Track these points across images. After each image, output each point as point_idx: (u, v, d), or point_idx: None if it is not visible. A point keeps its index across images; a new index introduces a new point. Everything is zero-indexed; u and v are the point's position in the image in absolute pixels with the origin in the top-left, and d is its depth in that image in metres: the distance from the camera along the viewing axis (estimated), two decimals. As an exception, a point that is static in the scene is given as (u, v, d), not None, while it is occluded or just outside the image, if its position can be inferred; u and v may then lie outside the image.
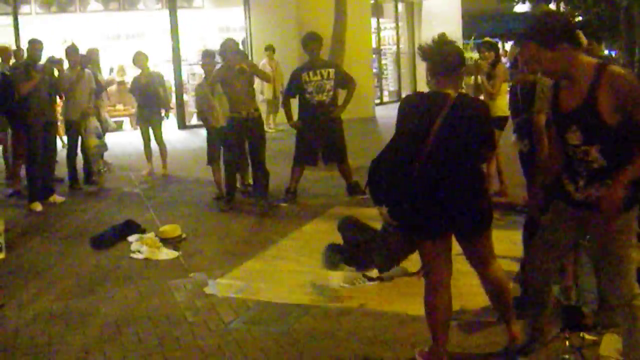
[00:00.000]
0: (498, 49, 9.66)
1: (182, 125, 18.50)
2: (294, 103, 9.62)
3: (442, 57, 4.24)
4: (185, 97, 18.80)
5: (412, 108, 4.29)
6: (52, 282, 6.72)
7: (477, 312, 5.39)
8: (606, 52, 34.67)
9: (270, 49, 16.95)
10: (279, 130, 16.36)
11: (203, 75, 10.30)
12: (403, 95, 24.54)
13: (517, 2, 28.74)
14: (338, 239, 7.62)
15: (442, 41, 4.29)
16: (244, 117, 8.94)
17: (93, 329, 5.49)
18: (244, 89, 8.98)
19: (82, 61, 11.08)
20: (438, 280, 4.36)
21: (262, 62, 16.07)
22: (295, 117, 9.63)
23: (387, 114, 20.32)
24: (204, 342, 5.16)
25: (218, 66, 9.75)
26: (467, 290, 5.84)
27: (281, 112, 12.32)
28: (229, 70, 8.92)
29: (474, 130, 4.17)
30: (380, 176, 4.36)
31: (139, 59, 11.92)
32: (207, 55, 10.06)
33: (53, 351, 5.15)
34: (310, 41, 9.44)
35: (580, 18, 31.69)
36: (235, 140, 9.06)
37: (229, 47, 9.10)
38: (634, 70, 8.24)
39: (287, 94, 9.84)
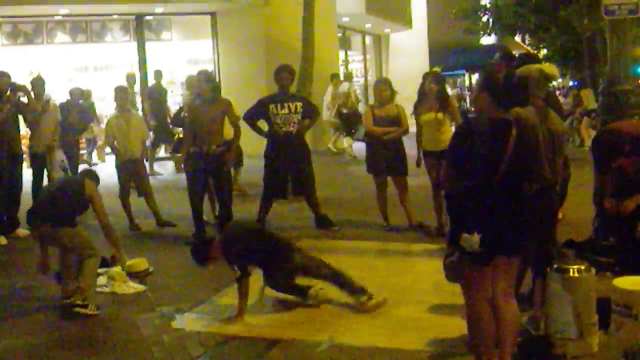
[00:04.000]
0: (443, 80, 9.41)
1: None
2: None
3: (510, 88, 4.48)
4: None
5: (481, 134, 4.36)
6: (16, 317, 6.60)
7: (446, 343, 5.39)
8: (570, 83, 35.24)
9: (335, 77, 18.99)
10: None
11: (115, 109, 10.53)
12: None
13: (483, 35, 29.18)
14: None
15: (510, 73, 4.53)
16: (205, 152, 8.88)
17: (57, 365, 5.41)
18: (208, 125, 8.89)
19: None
20: (485, 296, 4.47)
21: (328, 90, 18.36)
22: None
23: (356, 146, 20.40)
24: (171, 378, 5.10)
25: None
26: (439, 321, 5.88)
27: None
28: (198, 102, 8.95)
29: (530, 152, 4.49)
30: (465, 204, 4.38)
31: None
32: (121, 91, 10.41)
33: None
34: (283, 73, 9.45)
35: (545, 51, 32.27)
36: (195, 174, 9.02)
37: (200, 79, 9.12)
38: (597, 100, 8.37)
39: (250, 118, 9.65)
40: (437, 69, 9.32)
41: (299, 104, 9.41)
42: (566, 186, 5.83)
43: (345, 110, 17.87)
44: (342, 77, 19.65)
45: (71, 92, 13.23)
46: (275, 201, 9.70)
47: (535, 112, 5.29)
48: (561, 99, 23.29)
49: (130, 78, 15.69)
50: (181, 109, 11.51)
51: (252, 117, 9.61)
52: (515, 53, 8.95)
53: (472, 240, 4.24)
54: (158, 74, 16.46)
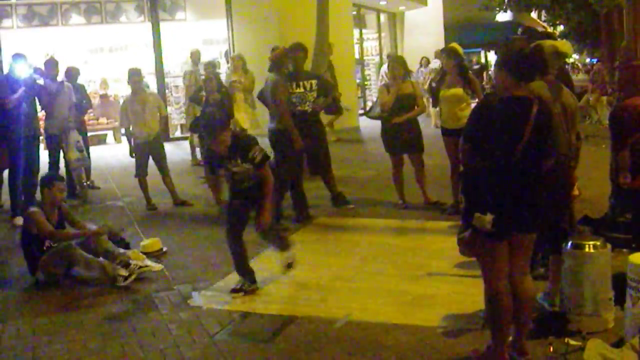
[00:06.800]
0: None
1: (166, 137, 18.42)
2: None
3: (525, 60, 4.43)
4: (168, 109, 18.75)
5: (500, 113, 4.34)
6: (36, 295, 6.70)
7: (462, 319, 5.41)
8: (588, 60, 34.89)
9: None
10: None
11: (130, 92, 10.49)
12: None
13: (499, 12, 28.95)
14: (324, 249, 7.66)
15: (529, 49, 4.54)
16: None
17: (77, 342, 5.46)
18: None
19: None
20: (502, 273, 4.47)
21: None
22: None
23: (371, 124, 20.34)
24: (188, 354, 5.14)
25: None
26: (452, 298, 5.90)
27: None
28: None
29: (550, 130, 4.46)
30: (481, 182, 4.38)
31: None
32: (135, 74, 10.31)
33: (37, 366, 5.13)
34: (297, 52, 9.40)
35: (561, 27, 32.00)
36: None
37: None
38: (614, 77, 8.30)
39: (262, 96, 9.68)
40: (453, 44, 9.21)
41: (314, 82, 9.36)
42: (577, 159, 5.82)
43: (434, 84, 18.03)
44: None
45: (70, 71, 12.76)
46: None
47: (548, 87, 5.27)
48: (582, 76, 23.17)
49: (195, 54, 15.54)
50: (200, 88, 11.49)
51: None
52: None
53: (485, 219, 4.24)
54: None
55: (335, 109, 12.25)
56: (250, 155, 6.11)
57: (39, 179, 7.77)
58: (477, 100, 8.50)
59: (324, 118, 12.01)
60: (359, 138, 17.50)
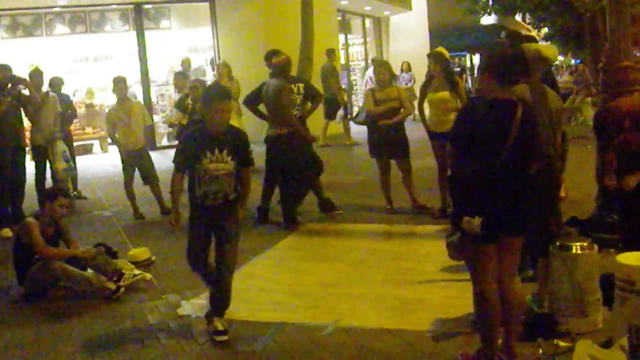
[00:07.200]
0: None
1: (152, 146, 18.36)
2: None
3: (507, 63, 4.48)
4: (155, 118, 18.70)
5: (485, 116, 4.37)
6: (24, 306, 6.65)
7: (451, 323, 5.42)
8: (572, 61, 34.99)
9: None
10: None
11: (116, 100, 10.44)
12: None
13: (483, 15, 29.04)
14: (312, 255, 7.65)
15: (512, 53, 4.56)
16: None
17: (65, 354, 5.43)
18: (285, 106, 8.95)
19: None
20: (491, 275, 4.48)
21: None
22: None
23: (358, 130, 20.34)
24: (178, 364, 5.13)
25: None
26: (441, 302, 5.90)
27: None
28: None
29: (534, 132, 4.53)
30: (468, 186, 4.40)
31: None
32: (120, 82, 10.28)
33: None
34: (272, 57, 9.35)
35: (546, 29, 32.14)
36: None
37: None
38: (598, 79, 8.32)
39: (251, 102, 9.61)
40: (440, 48, 9.25)
41: (301, 85, 9.37)
42: (564, 160, 5.84)
43: None
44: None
45: (53, 81, 12.56)
46: (277, 186, 9.68)
47: (532, 90, 5.29)
48: (567, 77, 23.29)
49: (185, 63, 15.59)
50: (187, 95, 11.46)
51: (253, 101, 9.53)
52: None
53: (474, 222, 4.25)
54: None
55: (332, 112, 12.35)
56: (249, 149, 5.58)
57: (47, 190, 7.70)
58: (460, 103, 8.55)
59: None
60: (345, 143, 17.47)
